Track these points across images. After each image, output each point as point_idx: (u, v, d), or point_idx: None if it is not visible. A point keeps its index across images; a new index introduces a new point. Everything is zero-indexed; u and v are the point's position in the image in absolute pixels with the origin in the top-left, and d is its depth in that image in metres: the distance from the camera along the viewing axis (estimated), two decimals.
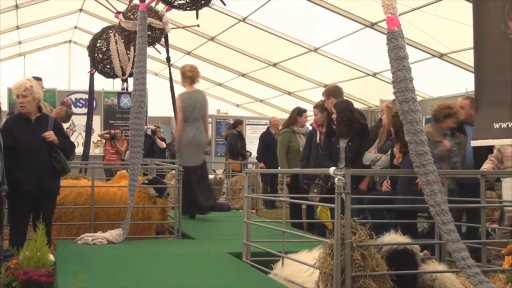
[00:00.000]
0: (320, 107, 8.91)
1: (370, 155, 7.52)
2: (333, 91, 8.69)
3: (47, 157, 6.60)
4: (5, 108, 14.88)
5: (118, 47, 10.07)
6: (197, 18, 8.78)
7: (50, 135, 6.58)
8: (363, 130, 7.85)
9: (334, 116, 7.89)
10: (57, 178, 6.85)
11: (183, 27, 12.01)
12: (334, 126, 8.00)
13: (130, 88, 11.16)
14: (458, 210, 7.37)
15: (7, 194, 6.41)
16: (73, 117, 18.12)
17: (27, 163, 6.46)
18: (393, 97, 4.80)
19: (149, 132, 14.85)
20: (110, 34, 10.39)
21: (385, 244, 4.75)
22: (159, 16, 9.18)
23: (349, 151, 7.70)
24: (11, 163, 6.32)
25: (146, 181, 8.06)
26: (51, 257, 5.71)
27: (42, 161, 6.56)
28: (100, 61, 10.88)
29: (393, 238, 4.82)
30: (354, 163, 7.50)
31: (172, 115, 10.84)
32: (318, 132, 8.89)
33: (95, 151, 16.92)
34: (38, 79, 8.67)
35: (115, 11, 9.73)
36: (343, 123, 7.72)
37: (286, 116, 21.38)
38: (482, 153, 7.39)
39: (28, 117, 6.60)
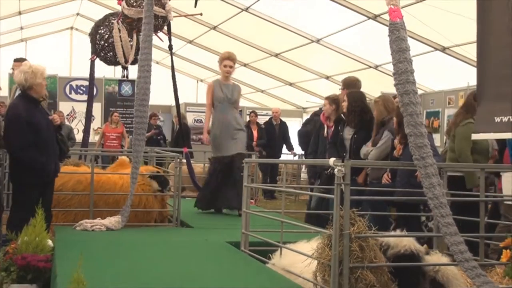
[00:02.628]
0: (330, 99, 8.66)
1: (364, 148, 7.50)
2: (352, 84, 8.44)
3: (55, 139, 6.69)
4: (5, 93, 14.91)
5: (121, 35, 10.05)
6: (195, 6, 8.81)
7: (57, 118, 6.67)
8: (371, 122, 7.78)
9: (344, 104, 7.82)
10: (59, 160, 7.00)
11: (185, 16, 12.00)
12: (342, 115, 7.97)
13: (131, 76, 11.21)
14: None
15: (23, 179, 6.44)
16: (74, 104, 18.26)
17: (47, 146, 6.51)
18: (394, 90, 4.78)
19: None
20: (113, 21, 10.37)
21: (383, 236, 4.75)
22: (162, 4, 9.16)
23: (354, 143, 7.68)
24: (33, 147, 6.39)
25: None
26: (50, 242, 5.71)
27: (55, 143, 6.67)
28: (102, 48, 10.86)
29: (399, 241, 4.79)
30: (358, 155, 7.51)
31: (173, 103, 10.86)
32: (325, 126, 8.79)
33: (95, 138, 16.92)
34: (23, 60, 8.52)
35: None
36: (354, 113, 7.69)
37: (287, 107, 21.57)
38: None
39: (38, 101, 6.59)
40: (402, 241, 4.76)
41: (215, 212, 9.30)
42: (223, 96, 9.15)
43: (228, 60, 9.38)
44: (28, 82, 6.44)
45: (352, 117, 7.72)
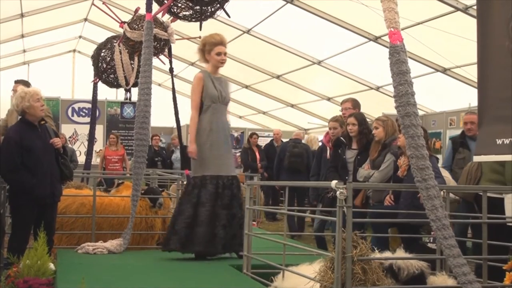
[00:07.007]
0: (340, 121, 8.43)
1: (363, 171, 7.42)
2: (359, 105, 8.41)
3: (55, 163, 6.64)
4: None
5: (122, 57, 10.11)
6: (200, 29, 8.78)
7: (58, 142, 6.64)
8: (371, 144, 7.76)
9: (350, 127, 7.77)
10: (61, 184, 6.93)
11: (187, 38, 12.05)
12: (341, 138, 7.96)
13: (133, 98, 11.25)
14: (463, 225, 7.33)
15: (17, 201, 6.43)
16: (76, 126, 18.30)
17: (41, 169, 6.44)
18: (395, 111, 4.79)
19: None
20: (115, 44, 10.44)
21: (386, 258, 4.73)
22: (164, 27, 9.22)
23: (358, 164, 7.66)
24: (24, 169, 6.35)
25: (142, 191, 8.06)
26: (52, 266, 5.69)
27: (53, 167, 6.60)
28: (104, 70, 10.94)
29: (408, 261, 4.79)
30: None
31: (175, 125, 10.86)
32: (328, 148, 8.73)
33: (97, 160, 16.93)
34: (19, 82, 8.55)
35: (120, 21, 9.78)
36: (363, 135, 7.70)
37: (289, 128, 21.56)
38: None
39: (34, 124, 6.57)
40: (410, 261, 4.76)
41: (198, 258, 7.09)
42: (217, 94, 7.11)
43: (222, 46, 7.20)
44: (19, 107, 6.47)
45: (362, 139, 7.71)
